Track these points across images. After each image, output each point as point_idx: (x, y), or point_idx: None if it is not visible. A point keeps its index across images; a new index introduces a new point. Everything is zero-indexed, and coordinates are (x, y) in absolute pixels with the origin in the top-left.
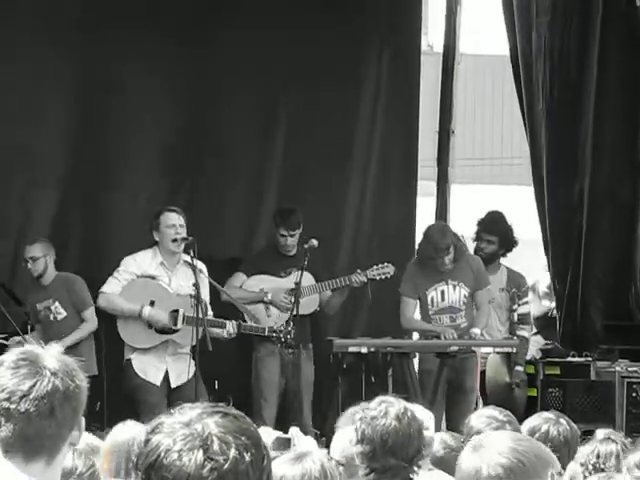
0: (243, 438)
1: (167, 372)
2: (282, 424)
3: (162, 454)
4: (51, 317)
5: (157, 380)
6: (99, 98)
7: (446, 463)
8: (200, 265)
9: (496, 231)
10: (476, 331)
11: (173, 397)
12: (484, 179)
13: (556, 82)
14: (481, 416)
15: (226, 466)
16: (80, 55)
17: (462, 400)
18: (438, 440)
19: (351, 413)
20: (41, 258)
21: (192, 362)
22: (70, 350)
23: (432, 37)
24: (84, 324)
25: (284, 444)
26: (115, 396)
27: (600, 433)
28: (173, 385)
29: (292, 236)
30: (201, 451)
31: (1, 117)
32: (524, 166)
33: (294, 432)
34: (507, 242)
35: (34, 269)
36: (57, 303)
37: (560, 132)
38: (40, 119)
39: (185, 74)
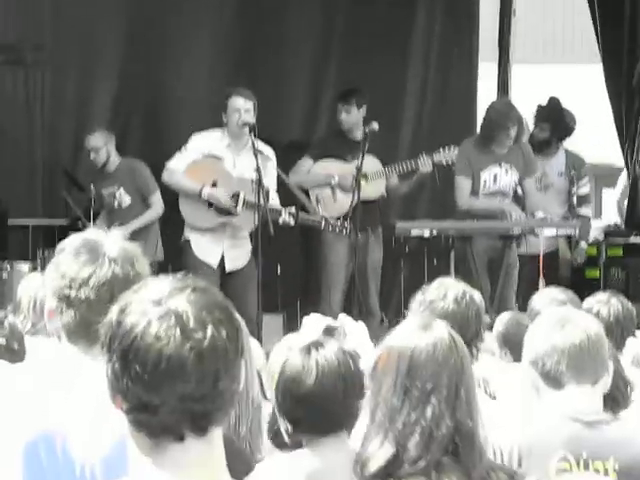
0: (217, 312)
1: (223, 256)
2: (349, 307)
3: (138, 337)
4: (115, 204)
5: (214, 262)
6: None
7: (511, 339)
8: (268, 151)
9: (549, 118)
10: (539, 213)
11: (227, 281)
12: (545, 58)
13: None
14: (543, 296)
15: (205, 343)
16: None
17: (508, 275)
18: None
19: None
20: (103, 147)
21: (249, 248)
22: (136, 235)
23: None
24: (149, 210)
25: (333, 331)
26: None
27: None
28: (227, 269)
29: (347, 112)
30: (178, 330)
31: (57, 9)
32: (588, 45)
33: (342, 318)
34: (560, 129)
35: (97, 159)
36: (122, 189)
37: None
38: (97, 9)
39: None
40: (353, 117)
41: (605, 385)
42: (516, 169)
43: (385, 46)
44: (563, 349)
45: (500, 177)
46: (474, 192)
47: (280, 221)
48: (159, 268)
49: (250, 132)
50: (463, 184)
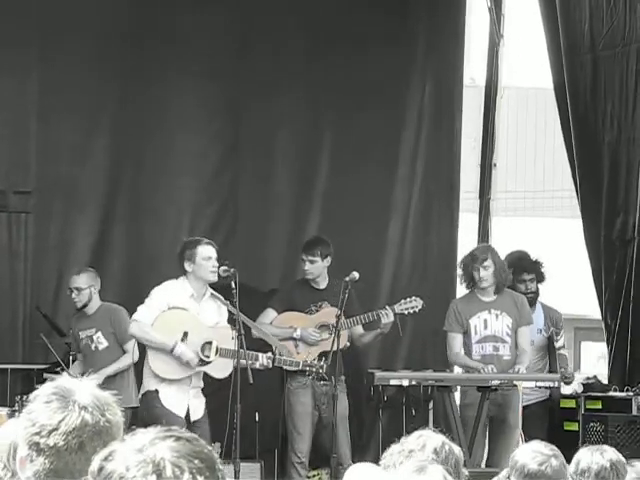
0: (196, 461)
1: (188, 406)
2: (316, 457)
3: None
4: (92, 347)
5: (182, 412)
6: (138, 124)
7: None
8: (224, 302)
9: (532, 269)
10: (520, 368)
11: (192, 431)
12: (526, 212)
13: (615, 117)
14: (526, 450)
15: None
16: (120, 76)
17: (505, 435)
18: None
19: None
20: (86, 289)
21: (204, 398)
22: (110, 381)
23: (474, 70)
24: (124, 356)
25: None
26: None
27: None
28: (192, 419)
29: (311, 262)
30: (154, 476)
31: (43, 147)
32: (566, 199)
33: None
34: (542, 277)
35: (78, 299)
36: (99, 333)
37: (618, 165)
38: (81, 157)
39: (224, 97)
40: (317, 267)
41: None
42: (509, 316)
43: (368, 196)
44: None
45: (490, 322)
46: (467, 339)
47: (257, 365)
48: (132, 415)
49: (231, 279)
50: (452, 340)
